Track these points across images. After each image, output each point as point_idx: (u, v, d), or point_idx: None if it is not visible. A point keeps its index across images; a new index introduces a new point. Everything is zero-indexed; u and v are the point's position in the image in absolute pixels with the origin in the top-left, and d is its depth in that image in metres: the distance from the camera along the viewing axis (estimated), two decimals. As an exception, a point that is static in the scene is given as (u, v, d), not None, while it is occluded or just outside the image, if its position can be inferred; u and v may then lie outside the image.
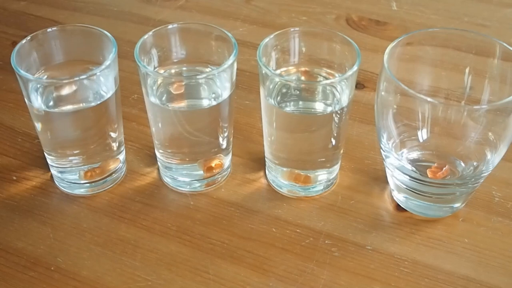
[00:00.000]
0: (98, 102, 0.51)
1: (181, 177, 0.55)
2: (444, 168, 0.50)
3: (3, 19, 0.77)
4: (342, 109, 0.50)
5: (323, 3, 0.78)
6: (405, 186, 0.51)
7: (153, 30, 0.51)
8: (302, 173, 0.53)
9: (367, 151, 0.58)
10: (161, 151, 0.54)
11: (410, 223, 0.52)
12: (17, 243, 0.51)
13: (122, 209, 0.54)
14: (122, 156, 0.56)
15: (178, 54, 0.53)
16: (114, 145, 0.54)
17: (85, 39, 0.53)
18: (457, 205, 0.52)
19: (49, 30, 0.52)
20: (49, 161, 0.55)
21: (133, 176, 0.56)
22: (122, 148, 0.56)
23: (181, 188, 0.55)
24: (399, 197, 0.53)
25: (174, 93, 0.51)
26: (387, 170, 0.53)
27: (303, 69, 0.53)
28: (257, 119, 0.60)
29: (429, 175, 0.50)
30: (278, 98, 0.51)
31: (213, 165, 0.54)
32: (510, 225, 0.52)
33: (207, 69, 0.53)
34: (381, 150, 0.52)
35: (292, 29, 0.52)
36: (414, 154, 0.52)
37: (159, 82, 0.51)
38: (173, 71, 0.53)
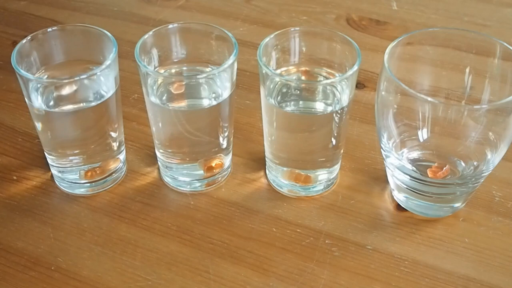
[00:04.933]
0: (99, 102, 0.51)
1: (181, 176, 0.55)
2: (444, 168, 0.51)
3: (3, 19, 0.77)
4: (342, 108, 0.50)
5: (323, 3, 0.78)
6: (405, 186, 0.51)
7: (153, 30, 0.51)
8: (302, 173, 0.53)
9: (367, 151, 0.58)
10: (161, 150, 0.54)
11: (410, 223, 0.52)
12: (18, 242, 0.51)
13: (122, 209, 0.54)
14: (122, 156, 0.56)
15: (179, 53, 0.53)
16: (115, 145, 0.54)
17: (85, 39, 0.53)
18: (457, 204, 0.52)
19: (49, 30, 0.52)
20: (49, 161, 0.55)
21: (134, 176, 0.56)
22: (123, 147, 0.56)
23: (181, 188, 0.55)
24: (400, 197, 0.53)
25: (175, 92, 0.51)
26: (387, 169, 0.53)
27: (303, 68, 0.53)
28: (257, 118, 0.60)
29: (430, 175, 0.50)
30: (279, 97, 0.51)
31: (213, 164, 0.54)
32: (511, 224, 0.52)
33: (208, 69, 0.53)
34: (382, 150, 0.52)
35: (292, 29, 0.52)
36: (415, 154, 0.52)
37: (159, 81, 0.51)
38: (173, 70, 0.53)
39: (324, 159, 0.53)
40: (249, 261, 0.50)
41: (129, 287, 0.48)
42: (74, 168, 0.54)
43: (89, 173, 0.54)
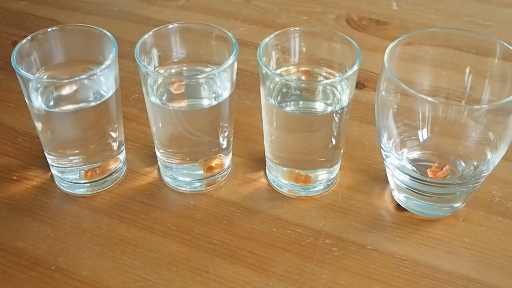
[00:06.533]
0: (99, 102, 0.51)
1: (181, 176, 0.55)
2: (444, 168, 0.51)
3: (3, 19, 0.77)
4: (342, 108, 0.50)
5: (323, 3, 0.78)
6: (405, 186, 0.51)
7: (153, 30, 0.51)
8: (302, 173, 0.53)
9: (367, 151, 0.58)
10: (161, 150, 0.54)
11: (410, 223, 0.52)
12: (18, 242, 0.51)
13: (122, 209, 0.54)
14: (122, 156, 0.56)
15: (179, 53, 0.53)
16: (115, 145, 0.54)
17: (85, 39, 0.53)
18: (457, 204, 0.52)
19: (49, 30, 0.52)
20: (49, 161, 0.55)
21: (134, 176, 0.56)
22: (123, 147, 0.56)
23: (181, 188, 0.55)
24: (400, 197, 0.53)
25: (175, 92, 0.51)
26: (387, 169, 0.53)
27: (303, 68, 0.53)
28: (257, 118, 0.60)
29: (430, 175, 0.50)
30: (279, 97, 0.51)
31: (213, 164, 0.54)
32: (511, 224, 0.52)
33: (208, 69, 0.53)
34: (382, 150, 0.52)
35: (292, 29, 0.52)
36: (415, 154, 0.52)
37: (159, 81, 0.51)
38: (173, 70, 0.53)
39: (324, 159, 0.53)
40: (249, 261, 0.50)
41: (129, 287, 0.48)
42: (74, 168, 0.54)
43: (89, 173, 0.54)
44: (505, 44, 0.48)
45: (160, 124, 0.52)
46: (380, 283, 0.48)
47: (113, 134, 0.53)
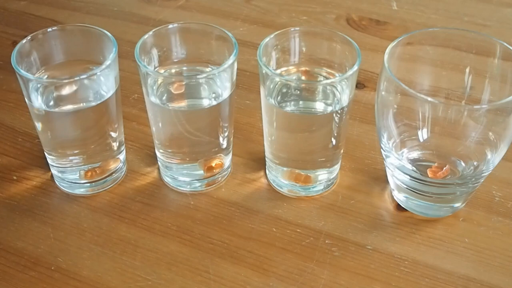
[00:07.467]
0: (99, 102, 0.51)
1: (181, 176, 0.55)
2: (444, 168, 0.51)
3: (3, 19, 0.77)
4: (342, 108, 0.50)
5: (323, 3, 0.78)
6: (405, 186, 0.51)
7: (153, 30, 0.51)
8: (302, 173, 0.53)
9: (367, 151, 0.58)
10: (161, 150, 0.54)
11: (410, 223, 0.52)
12: (18, 242, 0.51)
13: (122, 209, 0.54)
14: (122, 156, 0.56)
15: (179, 53, 0.53)
16: (115, 145, 0.54)
17: (85, 39, 0.53)
18: (457, 204, 0.52)
19: (49, 30, 0.52)
20: (49, 161, 0.55)
21: (134, 176, 0.56)
22: (123, 147, 0.56)
23: (181, 188, 0.55)
24: (400, 197, 0.53)
25: (175, 92, 0.51)
26: (387, 169, 0.53)
27: (303, 68, 0.53)
28: (257, 118, 0.60)
29: (430, 175, 0.50)
30: (279, 97, 0.51)
31: (213, 164, 0.54)
32: (511, 224, 0.52)
33: (208, 69, 0.53)
34: (382, 150, 0.52)
35: (292, 29, 0.52)
36: (415, 154, 0.52)
37: (159, 81, 0.51)
38: (173, 70, 0.54)
39: (324, 159, 0.53)
40: (249, 261, 0.50)
41: (129, 287, 0.48)
42: (74, 168, 0.54)
43: (89, 173, 0.54)
44: (505, 44, 0.48)
45: (160, 124, 0.52)
46: (380, 283, 0.48)
47: (113, 134, 0.53)
